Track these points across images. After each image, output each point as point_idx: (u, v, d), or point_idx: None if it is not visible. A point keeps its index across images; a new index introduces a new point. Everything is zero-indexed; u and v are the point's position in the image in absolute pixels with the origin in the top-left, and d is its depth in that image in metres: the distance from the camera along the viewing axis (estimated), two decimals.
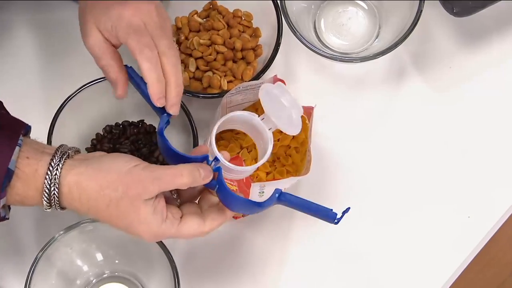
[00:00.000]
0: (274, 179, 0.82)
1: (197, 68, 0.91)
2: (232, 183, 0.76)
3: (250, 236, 0.88)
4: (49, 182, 0.64)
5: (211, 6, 0.94)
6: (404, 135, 0.93)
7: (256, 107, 0.84)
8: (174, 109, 0.71)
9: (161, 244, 0.79)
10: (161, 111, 0.71)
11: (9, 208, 0.67)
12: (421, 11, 0.87)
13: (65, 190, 0.65)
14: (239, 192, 0.77)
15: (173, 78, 0.71)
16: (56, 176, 0.64)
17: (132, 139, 0.89)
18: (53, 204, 0.65)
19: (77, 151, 0.68)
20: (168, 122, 0.71)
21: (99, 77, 0.84)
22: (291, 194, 0.68)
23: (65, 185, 0.65)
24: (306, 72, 0.94)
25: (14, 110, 0.89)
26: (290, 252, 0.88)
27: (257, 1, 0.90)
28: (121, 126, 0.90)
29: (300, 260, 0.88)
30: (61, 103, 0.84)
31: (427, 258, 0.88)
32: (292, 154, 0.83)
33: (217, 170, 0.68)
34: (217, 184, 0.68)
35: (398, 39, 0.87)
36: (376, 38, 0.95)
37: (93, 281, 0.86)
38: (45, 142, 0.81)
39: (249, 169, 0.73)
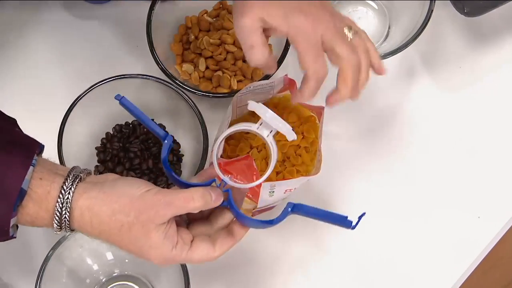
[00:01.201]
0: (284, 178, 0.81)
1: (207, 67, 0.91)
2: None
3: (260, 237, 0.88)
4: (60, 205, 0.64)
5: (221, 6, 0.94)
6: (413, 135, 0.92)
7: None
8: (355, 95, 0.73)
9: None
10: (163, 137, 0.69)
11: (17, 227, 0.67)
12: (432, 10, 0.87)
13: (76, 213, 0.65)
14: (249, 195, 0.77)
15: (350, 82, 0.73)
16: (68, 200, 0.64)
17: (142, 138, 0.89)
18: (63, 227, 0.65)
19: (89, 173, 0.68)
20: (170, 148, 0.70)
21: (109, 77, 0.85)
22: (304, 205, 0.67)
23: (76, 209, 0.65)
24: None
25: (26, 109, 0.90)
26: (301, 253, 0.88)
27: None
28: (131, 126, 0.90)
29: (310, 261, 0.88)
30: (71, 102, 0.84)
31: (437, 258, 0.88)
32: (302, 154, 0.83)
33: (227, 191, 0.68)
34: (228, 205, 0.69)
35: (408, 39, 0.87)
36: (386, 38, 0.94)
37: (103, 280, 0.86)
38: (56, 141, 0.82)
39: (259, 183, 0.72)
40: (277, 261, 0.88)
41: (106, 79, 0.85)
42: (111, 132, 0.90)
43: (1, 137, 0.64)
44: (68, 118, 0.83)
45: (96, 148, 0.89)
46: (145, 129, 0.89)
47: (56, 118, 0.83)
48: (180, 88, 0.85)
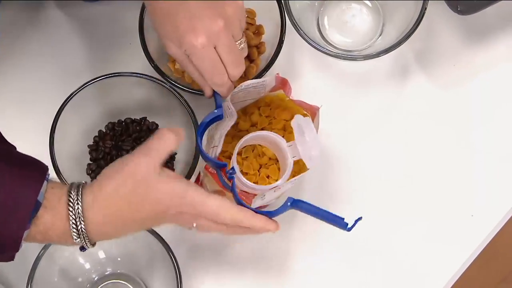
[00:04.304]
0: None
1: None
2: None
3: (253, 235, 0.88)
4: (73, 198, 0.65)
5: None
6: (408, 133, 0.92)
7: (259, 105, 0.83)
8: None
9: (163, 242, 0.79)
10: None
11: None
12: (426, 8, 0.87)
13: (88, 199, 0.66)
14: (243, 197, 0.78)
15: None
16: (79, 194, 0.66)
17: (134, 137, 0.89)
18: (78, 222, 0.65)
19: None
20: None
21: (101, 75, 0.84)
22: (303, 201, 0.69)
23: (88, 195, 0.66)
24: (309, 70, 0.94)
25: (18, 107, 0.90)
26: (295, 251, 0.88)
27: None
28: (123, 124, 0.90)
29: (304, 258, 0.88)
30: (63, 100, 0.83)
31: (431, 256, 0.88)
32: None
33: (231, 178, 0.70)
34: (232, 191, 0.70)
35: (402, 37, 0.87)
36: (380, 35, 0.94)
37: (95, 278, 0.86)
38: (47, 138, 0.82)
39: (261, 188, 0.74)
40: (271, 259, 0.88)
41: (98, 77, 0.84)
42: (104, 130, 0.89)
43: (13, 156, 0.65)
44: (60, 116, 0.83)
45: (88, 146, 0.89)
46: (137, 127, 0.89)
47: (48, 115, 0.83)
48: (173, 86, 0.85)
